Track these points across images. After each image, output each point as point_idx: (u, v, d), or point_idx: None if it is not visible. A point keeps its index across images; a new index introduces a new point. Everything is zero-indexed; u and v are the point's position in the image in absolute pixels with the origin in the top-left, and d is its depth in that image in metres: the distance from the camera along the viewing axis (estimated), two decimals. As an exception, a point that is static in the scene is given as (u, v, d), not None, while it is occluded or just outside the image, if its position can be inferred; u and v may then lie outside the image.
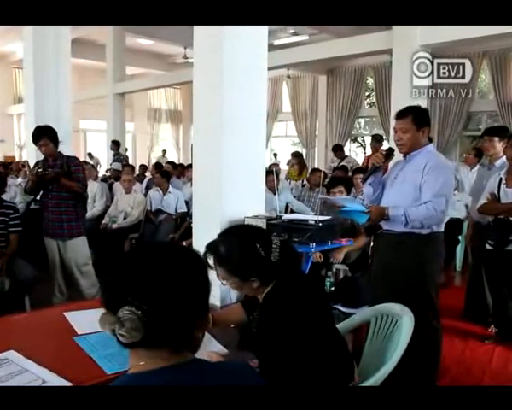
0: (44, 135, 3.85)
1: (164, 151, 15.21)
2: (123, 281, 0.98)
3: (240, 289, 1.78)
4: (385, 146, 8.47)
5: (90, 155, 13.57)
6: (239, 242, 1.72)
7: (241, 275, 1.70)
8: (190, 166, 7.58)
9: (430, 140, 2.91)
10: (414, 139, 2.72)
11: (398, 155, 2.94)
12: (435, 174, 2.62)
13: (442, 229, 2.77)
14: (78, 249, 4.00)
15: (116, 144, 10.17)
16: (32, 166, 4.54)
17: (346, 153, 10.99)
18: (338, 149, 8.65)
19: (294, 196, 6.17)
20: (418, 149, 2.73)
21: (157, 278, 0.96)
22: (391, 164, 2.98)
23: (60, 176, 3.81)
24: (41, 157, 4.00)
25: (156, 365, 0.97)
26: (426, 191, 2.63)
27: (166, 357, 0.98)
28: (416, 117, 2.71)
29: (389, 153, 2.86)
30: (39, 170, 3.75)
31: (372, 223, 2.86)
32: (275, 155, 13.60)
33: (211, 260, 1.74)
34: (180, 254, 1.05)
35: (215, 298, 2.86)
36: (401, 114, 2.76)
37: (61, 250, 3.96)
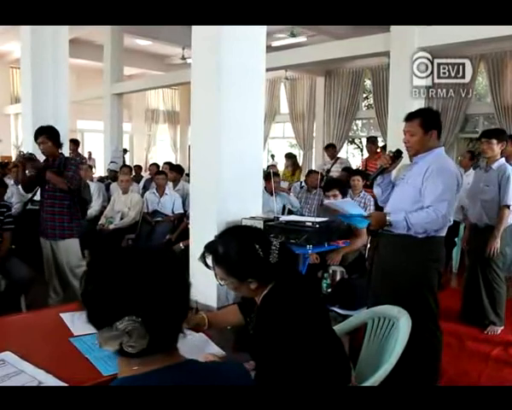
0: (43, 133, 3.87)
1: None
2: (115, 293, 0.94)
3: (237, 289, 1.77)
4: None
5: (89, 154, 13.53)
6: (238, 242, 1.72)
7: (239, 275, 1.69)
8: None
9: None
10: (421, 142, 2.72)
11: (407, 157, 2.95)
12: (436, 179, 2.62)
13: (442, 233, 2.75)
14: (70, 251, 3.96)
15: (75, 144, 9.40)
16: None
17: (343, 154, 11.02)
18: (329, 147, 8.66)
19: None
20: (426, 152, 2.73)
21: (148, 282, 0.95)
22: (400, 166, 2.99)
23: (47, 169, 3.82)
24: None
25: (150, 368, 0.97)
26: (427, 196, 2.62)
27: (160, 359, 0.98)
28: (423, 120, 2.72)
29: (397, 155, 2.85)
30: (22, 152, 3.81)
31: (373, 228, 2.85)
32: (272, 156, 13.60)
33: (209, 260, 1.74)
34: (161, 256, 1.04)
35: (212, 299, 2.86)
36: (409, 117, 2.77)
37: (55, 251, 3.95)
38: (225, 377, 1.04)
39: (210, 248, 1.75)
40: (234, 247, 1.70)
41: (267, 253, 1.68)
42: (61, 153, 3.97)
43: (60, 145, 3.94)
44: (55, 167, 3.86)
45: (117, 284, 0.95)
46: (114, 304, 0.94)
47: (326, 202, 3.92)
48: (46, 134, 3.86)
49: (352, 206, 3.06)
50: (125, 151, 14.68)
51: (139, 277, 0.96)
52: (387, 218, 2.69)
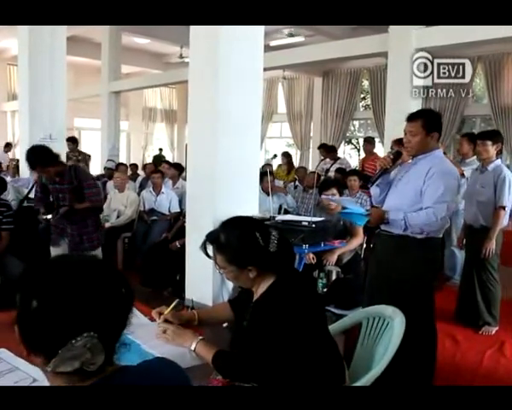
0: (37, 165, 3.64)
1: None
2: (71, 308, 0.87)
3: (236, 278, 1.78)
4: (377, 148, 8.49)
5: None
6: (239, 230, 1.76)
7: (239, 262, 1.71)
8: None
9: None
10: (422, 143, 2.70)
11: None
12: (438, 181, 2.61)
13: (439, 234, 2.77)
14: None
15: (72, 142, 8.76)
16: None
17: (341, 155, 11.03)
18: (331, 151, 8.66)
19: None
20: (425, 153, 2.72)
21: (99, 294, 0.90)
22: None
23: (72, 206, 3.72)
24: None
25: (88, 383, 0.92)
26: (427, 197, 2.62)
27: (97, 372, 0.93)
28: (426, 121, 2.69)
29: (397, 156, 2.84)
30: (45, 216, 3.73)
31: (371, 225, 2.84)
32: (275, 155, 13.55)
33: (210, 250, 1.78)
34: (105, 265, 0.98)
35: (207, 298, 2.86)
36: (412, 117, 2.74)
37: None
38: (159, 377, 1.01)
39: (211, 236, 1.78)
40: (235, 234, 1.73)
41: (267, 242, 1.71)
42: (63, 162, 3.89)
43: (56, 159, 3.72)
44: (66, 184, 3.71)
45: (70, 297, 0.87)
46: (71, 320, 0.87)
47: (324, 197, 3.91)
48: (40, 165, 3.62)
49: (352, 204, 3.06)
50: (160, 150, 14.61)
51: (90, 288, 0.89)
52: (386, 215, 2.68)
